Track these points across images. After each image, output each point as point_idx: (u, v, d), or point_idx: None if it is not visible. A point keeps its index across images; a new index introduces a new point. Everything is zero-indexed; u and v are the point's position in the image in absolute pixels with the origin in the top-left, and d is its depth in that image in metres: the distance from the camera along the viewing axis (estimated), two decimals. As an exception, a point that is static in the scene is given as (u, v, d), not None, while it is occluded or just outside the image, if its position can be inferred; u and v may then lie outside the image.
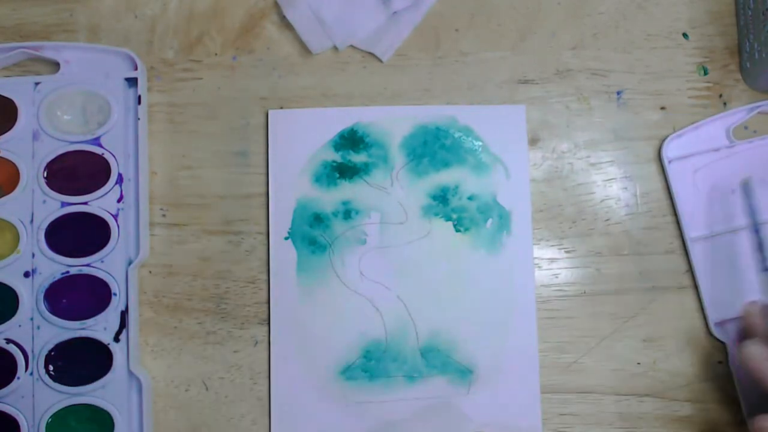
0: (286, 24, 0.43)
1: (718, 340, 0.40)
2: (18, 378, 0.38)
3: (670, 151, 0.42)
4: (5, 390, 0.38)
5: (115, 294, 0.39)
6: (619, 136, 0.43)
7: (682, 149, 0.42)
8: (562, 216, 0.42)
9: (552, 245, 0.42)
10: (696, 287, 0.41)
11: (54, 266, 0.39)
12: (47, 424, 0.38)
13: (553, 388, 0.41)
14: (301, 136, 0.42)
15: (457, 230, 0.41)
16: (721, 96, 0.43)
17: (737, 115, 0.42)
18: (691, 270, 0.41)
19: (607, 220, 0.42)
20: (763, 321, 0.32)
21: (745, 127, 0.43)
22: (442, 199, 0.41)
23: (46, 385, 0.38)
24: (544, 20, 0.44)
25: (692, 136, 0.42)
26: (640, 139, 0.43)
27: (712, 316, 0.40)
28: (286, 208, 0.41)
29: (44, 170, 0.40)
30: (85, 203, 0.40)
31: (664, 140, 0.42)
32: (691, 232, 0.41)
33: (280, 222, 0.41)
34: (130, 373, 0.39)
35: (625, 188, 0.42)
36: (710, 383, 0.41)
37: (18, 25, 0.43)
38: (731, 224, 0.41)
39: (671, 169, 0.42)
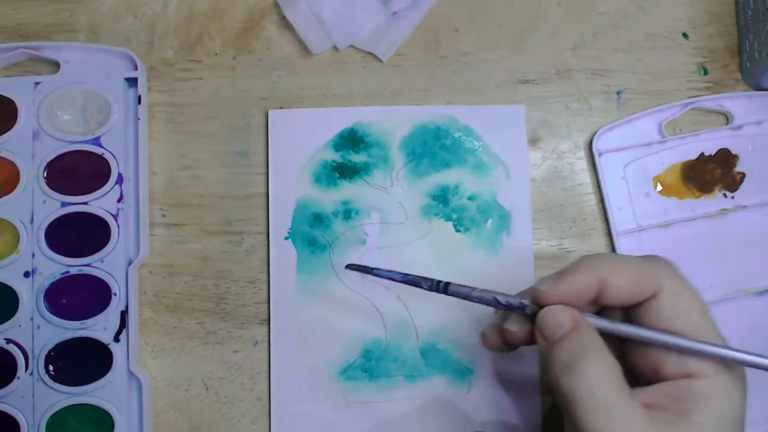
0: (286, 24, 0.43)
1: None
2: (18, 378, 0.38)
3: (600, 143, 0.42)
4: (5, 390, 0.38)
5: (115, 294, 0.39)
6: (619, 136, 0.43)
7: (614, 142, 0.42)
8: (562, 216, 0.42)
9: (552, 245, 0.42)
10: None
11: (54, 266, 0.39)
12: (47, 424, 0.38)
13: (553, 388, 0.41)
14: (301, 136, 0.42)
15: (457, 230, 0.41)
16: (721, 96, 0.43)
17: (671, 110, 0.42)
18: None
19: (607, 220, 0.42)
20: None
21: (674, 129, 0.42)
22: (442, 199, 0.41)
23: (46, 385, 0.38)
24: (544, 20, 0.44)
25: (624, 129, 0.42)
26: (640, 139, 0.43)
27: None
28: (286, 208, 0.41)
29: (44, 170, 0.40)
30: (85, 203, 0.40)
31: (595, 133, 0.42)
32: (619, 226, 0.41)
33: (280, 222, 0.41)
34: (130, 373, 0.39)
35: (625, 188, 0.42)
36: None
37: (18, 25, 0.43)
38: (659, 219, 0.41)
39: (601, 162, 0.41)
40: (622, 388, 0.26)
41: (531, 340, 0.30)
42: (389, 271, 0.35)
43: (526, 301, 0.30)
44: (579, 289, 0.28)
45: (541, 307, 0.29)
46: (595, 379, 0.26)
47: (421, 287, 0.34)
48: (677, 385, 0.27)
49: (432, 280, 0.33)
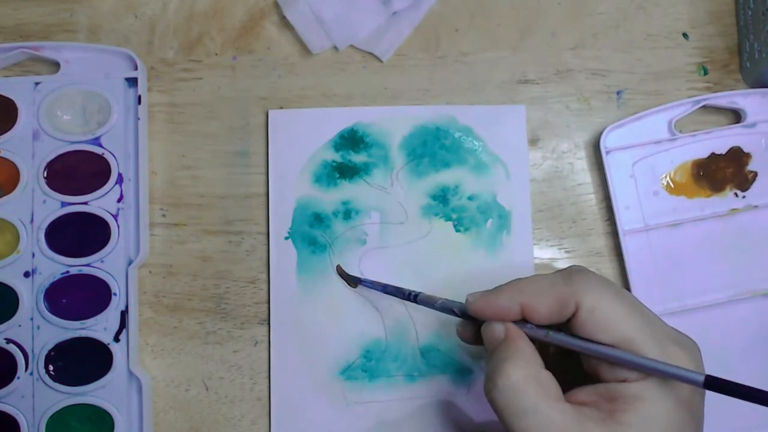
0: (286, 24, 0.43)
1: None
2: (18, 378, 0.38)
3: (609, 141, 0.41)
4: (5, 390, 0.38)
5: (115, 294, 0.39)
6: (619, 136, 0.43)
7: (622, 140, 0.41)
8: (562, 216, 0.42)
9: (552, 245, 0.42)
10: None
11: (54, 266, 0.39)
12: (47, 424, 0.38)
13: (553, 388, 0.41)
14: (301, 136, 0.42)
15: (457, 230, 0.41)
16: (721, 96, 0.43)
17: (682, 107, 0.42)
18: (623, 264, 0.41)
19: (608, 220, 0.42)
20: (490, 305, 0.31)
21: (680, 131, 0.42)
22: (442, 199, 0.41)
23: (46, 385, 0.38)
24: (544, 20, 0.44)
25: (633, 126, 0.42)
26: (640, 139, 0.43)
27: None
28: (286, 208, 0.41)
29: (44, 170, 0.40)
30: (85, 203, 0.40)
31: (597, 132, 0.41)
32: (625, 225, 0.41)
33: (280, 222, 0.41)
34: (130, 373, 0.39)
35: (625, 188, 0.42)
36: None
37: (18, 25, 0.43)
38: (668, 218, 0.41)
39: (608, 160, 0.41)
40: (542, 391, 0.27)
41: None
42: (372, 282, 0.39)
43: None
44: (501, 311, 0.30)
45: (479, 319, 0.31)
46: (509, 387, 0.28)
47: (398, 296, 0.37)
48: (609, 386, 0.28)
49: (405, 291, 0.37)
